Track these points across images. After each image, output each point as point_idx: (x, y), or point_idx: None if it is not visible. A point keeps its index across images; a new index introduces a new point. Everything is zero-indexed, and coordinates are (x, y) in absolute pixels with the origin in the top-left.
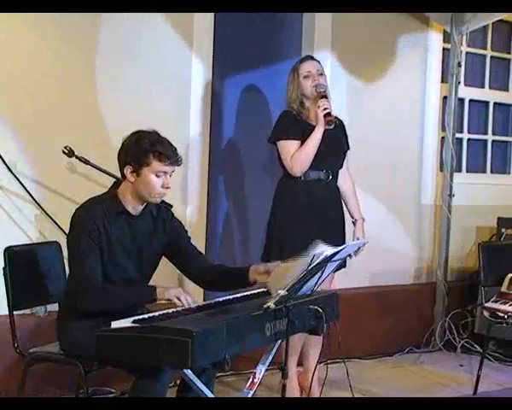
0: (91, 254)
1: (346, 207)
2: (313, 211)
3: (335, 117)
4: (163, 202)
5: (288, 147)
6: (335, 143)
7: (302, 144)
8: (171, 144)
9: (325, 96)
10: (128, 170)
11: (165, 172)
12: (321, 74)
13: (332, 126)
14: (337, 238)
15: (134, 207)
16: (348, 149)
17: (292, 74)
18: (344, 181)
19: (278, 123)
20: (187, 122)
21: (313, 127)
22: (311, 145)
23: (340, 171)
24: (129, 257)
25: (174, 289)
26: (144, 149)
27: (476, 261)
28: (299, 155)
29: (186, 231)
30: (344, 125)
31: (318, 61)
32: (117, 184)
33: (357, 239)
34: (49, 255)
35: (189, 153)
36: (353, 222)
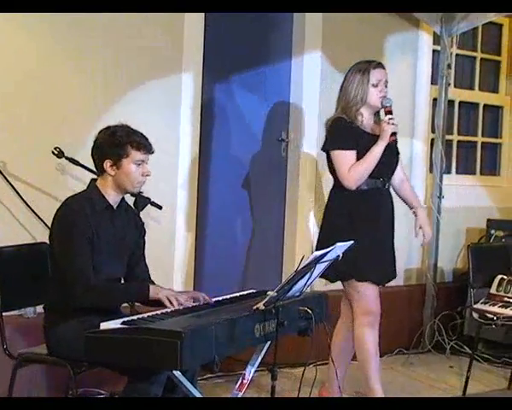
0: (85, 251)
1: (405, 201)
2: (370, 221)
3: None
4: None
5: (345, 158)
6: (390, 150)
7: (357, 154)
8: (143, 134)
9: (391, 112)
10: (107, 164)
11: (142, 161)
12: (387, 85)
13: (395, 144)
14: (389, 246)
15: (115, 201)
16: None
17: (359, 77)
18: (401, 179)
19: (332, 131)
20: (177, 126)
21: (368, 135)
22: (371, 160)
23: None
24: (112, 251)
25: (166, 290)
26: (121, 141)
27: (466, 263)
28: (358, 170)
29: (144, 236)
30: None
31: (386, 70)
32: (94, 180)
33: (420, 228)
34: (39, 257)
35: (179, 158)
36: (414, 212)
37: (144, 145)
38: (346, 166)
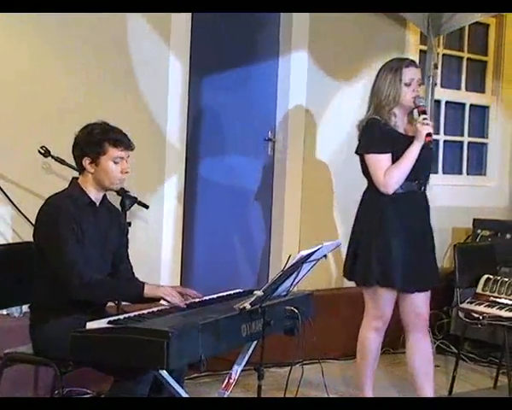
0: (74, 246)
1: None
2: (400, 226)
3: None
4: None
5: (380, 162)
6: (425, 151)
7: (393, 156)
8: (122, 131)
9: (425, 112)
10: (86, 161)
11: (121, 158)
12: (420, 84)
13: (430, 147)
14: (429, 251)
15: (96, 198)
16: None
17: (391, 76)
18: None
19: (367, 134)
20: (164, 124)
21: (402, 137)
22: (407, 163)
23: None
24: (95, 247)
25: (166, 287)
26: (98, 138)
27: (452, 262)
28: (394, 174)
29: (127, 234)
30: None
31: (419, 68)
32: (76, 178)
33: None
34: (26, 256)
35: (166, 157)
36: None
37: (122, 142)
38: (381, 170)
